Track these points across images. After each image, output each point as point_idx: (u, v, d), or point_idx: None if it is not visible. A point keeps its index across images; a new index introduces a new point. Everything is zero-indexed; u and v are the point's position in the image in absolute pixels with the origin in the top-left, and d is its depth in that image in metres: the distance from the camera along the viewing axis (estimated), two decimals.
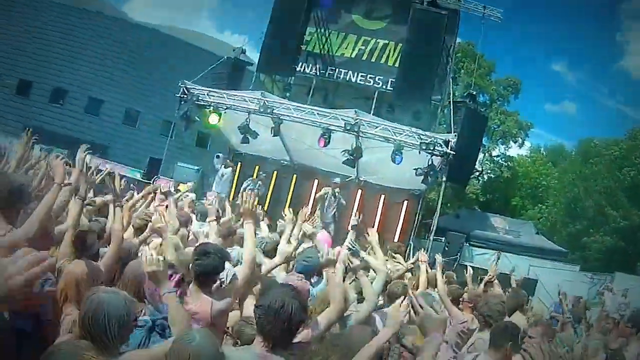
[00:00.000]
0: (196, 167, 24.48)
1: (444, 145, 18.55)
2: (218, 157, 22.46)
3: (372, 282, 6.69)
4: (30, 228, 4.96)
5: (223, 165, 21.74)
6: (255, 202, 6.20)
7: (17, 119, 41.61)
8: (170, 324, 4.25)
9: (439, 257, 10.42)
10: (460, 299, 9.12)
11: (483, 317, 7.19)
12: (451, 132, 19.43)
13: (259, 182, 21.18)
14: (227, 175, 21.62)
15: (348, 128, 18.92)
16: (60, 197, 5.70)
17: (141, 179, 21.60)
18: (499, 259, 24.28)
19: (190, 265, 5.54)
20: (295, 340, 4.53)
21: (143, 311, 5.24)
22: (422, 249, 12.14)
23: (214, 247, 5.88)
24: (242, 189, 20.62)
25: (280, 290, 4.60)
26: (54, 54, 46.93)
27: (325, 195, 19.55)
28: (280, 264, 6.99)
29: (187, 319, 4.30)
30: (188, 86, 21.62)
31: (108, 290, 3.85)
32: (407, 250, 19.45)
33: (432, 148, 18.52)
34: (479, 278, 12.17)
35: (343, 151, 19.22)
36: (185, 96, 21.50)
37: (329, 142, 19.30)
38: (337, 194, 19.70)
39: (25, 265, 1.98)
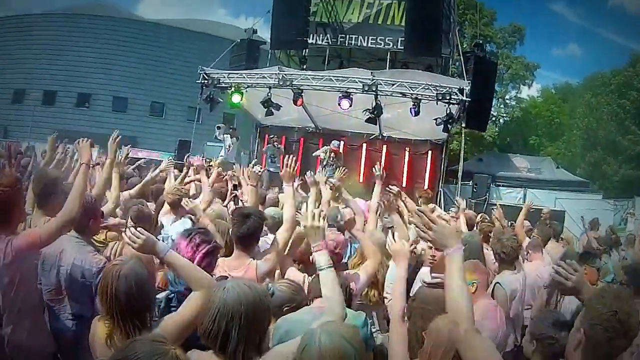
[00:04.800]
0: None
1: (459, 94, 18.40)
2: (219, 127, 22.45)
3: None
4: (72, 208, 5.01)
5: (228, 135, 22.00)
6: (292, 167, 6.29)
7: (47, 127, 42.06)
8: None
9: (461, 201, 10.66)
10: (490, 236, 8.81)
11: (499, 256, 7.13)
12: (464, 80, 19.35)
13: (276, 145, 21.48)
14: (234, 145, 21.96)
15: (366, 89, 18.79)
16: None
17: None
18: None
19: (231, 230, 5.72)
20: None
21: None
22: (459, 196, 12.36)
23: (253, 209, 6.03)
24: (263, 151, 21.17)
25: None
26: (74, 62, 47.51)
27: (324, 155, 19.90)
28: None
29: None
30: (207, 71, 21.56)
31: (127, 259, 3.92)
32: (438, 197, 19.72)
33: (448, 97, 18.35)
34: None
35: (364, 110, 19.16)
36: (206, 81, 21.46)
37: (351, 103, 19.28)
38: (333, 157, 19.91)
39: None
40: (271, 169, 20.14)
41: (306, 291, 5.25)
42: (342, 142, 22.11)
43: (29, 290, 4.94)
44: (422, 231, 3.46)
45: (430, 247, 6.34)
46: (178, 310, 3.91)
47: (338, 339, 2.99)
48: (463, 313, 3.16)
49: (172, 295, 4.54)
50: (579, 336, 3.04)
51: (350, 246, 7.73)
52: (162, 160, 13.67)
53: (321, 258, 4.12)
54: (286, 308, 4.56)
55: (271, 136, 22.07)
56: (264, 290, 3.43)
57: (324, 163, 19.68)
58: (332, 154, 19.93)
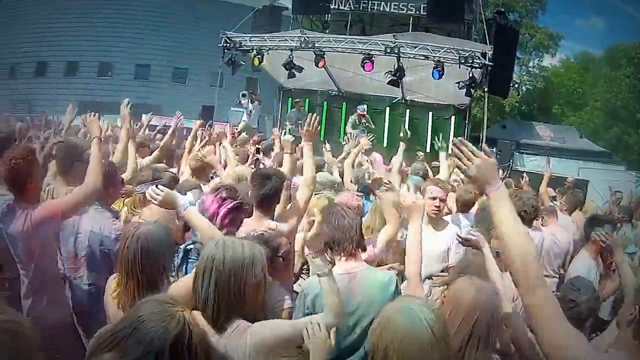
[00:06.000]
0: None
1: (481, 57, 18.21)
2: (244, 95, 22.48)
3: None
4: (94, 181, 5.03)
5: (249, 101, 21.98)
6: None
7: (70, 97, 42.03)
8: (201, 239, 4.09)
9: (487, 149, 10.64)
10: None
11: (519, 214, 7.02)
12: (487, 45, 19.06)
13: (302, 109, 21.37)
14: (255, 110, 21.96)
15: (388, 51, 18.62)
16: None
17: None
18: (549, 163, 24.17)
19: (250, 191, 5.51)
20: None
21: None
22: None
23: (274, 170, 5.91)
24: (287, 116, 21.13)
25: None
26: (95, 31, 47.48)
27: (354, 124, 20.03)
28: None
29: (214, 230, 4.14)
30: (229, 35, 21.41)
31: (148, 222, 3.87)
32: None
33: (470, 61, 18.21)
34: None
35: (386, 72, 18.99)
36: (227, 44, 21.30)
37: (373, 65, 19.07)
38: (363, 121, 20.11)
39: None
40: (296, 134, 19.98)
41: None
42: (365, 106, 21.81)
43: (49, 263, 4.98)
44: (464, 164, 3.03)
45: (434, 198, 6.58)
46: (191, 272, 3.79)
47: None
48: (532, 258, 2.82)
49: (191, 246, 4.66)
50: (633, 311, 2.73)
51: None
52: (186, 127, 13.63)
53: None
54: None
55: (296, 100, 22.07)
56: (253, 252, 3.27)
57: (355, 129, 19.57)
58: (361, 118, 20.07)
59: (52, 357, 4.45)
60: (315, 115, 6.21)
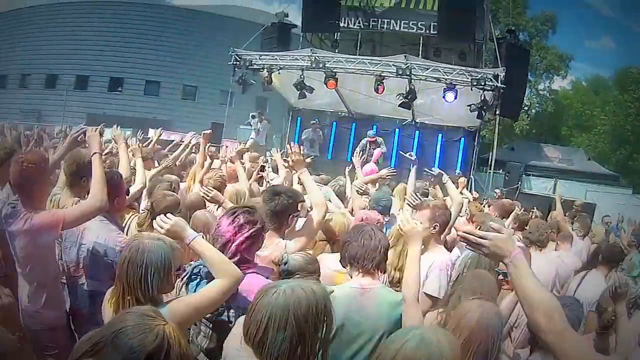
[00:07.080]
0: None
1: (493, 80, 18.05)
2: (254, 117, 22.43)
3: None
4: (100, 199, 4.98)
5: (258, 121, 21.94)
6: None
7: (81, 111, 42.23)
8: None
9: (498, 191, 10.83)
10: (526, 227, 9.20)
11: (531, 242, 7.62)
12: (499, 67, 18.91)
13: (317, 130, 21.47)
14: (263, 129, 21.93)
15: (400, 73, 18.47)
16: None
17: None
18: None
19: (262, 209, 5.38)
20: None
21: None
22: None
23: (284, 187, 5.88)
24: (302, 138, 21.04)
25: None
26: (106, 47, 47.85)
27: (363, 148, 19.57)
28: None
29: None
30: (239, 53, 21.40)
31: (153, 237, 3.78)
32: (469, 184, 19.27)
33: (483, 83, 18.02)
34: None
35: (398, 95, 18.83)
36: (237, 63, 21.32)
37: (384, 87, 18.97)
38: (372, 147, 19.76)
39: None
40: (311, 154, 19.83)
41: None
42: (374, 132, 21.60)
43: (46, 265, 4.98)
44: (477, 250, 3.31)
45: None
46: (196, 292, 3.91)
47: None
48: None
49: (198, 268, 4.27)
50: None
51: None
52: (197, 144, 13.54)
53: None
54: (297, 276, 4.43)
55: (312, 122, 21.98)
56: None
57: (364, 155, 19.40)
58: (372, 144, 19.84)
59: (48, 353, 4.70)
60: (297, 144, 6.17)
